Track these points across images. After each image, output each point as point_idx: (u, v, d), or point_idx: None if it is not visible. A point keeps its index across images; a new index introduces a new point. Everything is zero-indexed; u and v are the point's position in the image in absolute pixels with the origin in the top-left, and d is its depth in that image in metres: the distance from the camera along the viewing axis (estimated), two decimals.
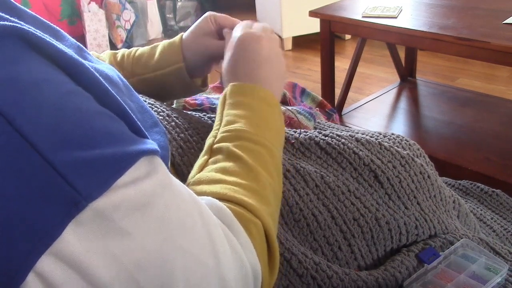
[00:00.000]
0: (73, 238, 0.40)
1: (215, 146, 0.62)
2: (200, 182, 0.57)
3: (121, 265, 0.42)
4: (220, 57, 0.85)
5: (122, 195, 0.42)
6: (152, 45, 0.91)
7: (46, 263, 0.39)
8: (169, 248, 0.44)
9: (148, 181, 0.44)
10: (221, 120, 0.66)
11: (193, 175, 0.60)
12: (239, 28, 0.75)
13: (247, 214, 0.53)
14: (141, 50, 0.91)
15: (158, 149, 0.47)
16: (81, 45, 0.61)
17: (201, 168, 0.60)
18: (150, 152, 0.46)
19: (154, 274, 0.43)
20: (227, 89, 0.69)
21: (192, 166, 0.71)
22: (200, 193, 0.55)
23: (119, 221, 0.41)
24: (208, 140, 0.64)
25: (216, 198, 0.54)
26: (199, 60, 0.86)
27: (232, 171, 0.58)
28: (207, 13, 0.86)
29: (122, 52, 0.92)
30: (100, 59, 0.89)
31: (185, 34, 0.88)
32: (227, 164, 0.59)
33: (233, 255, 0.49)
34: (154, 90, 0.89)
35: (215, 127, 0.66)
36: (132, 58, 0.90)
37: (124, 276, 0.42)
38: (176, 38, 0.88)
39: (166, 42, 0.89)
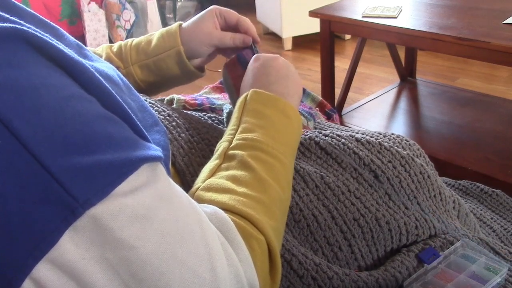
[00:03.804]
0: (70, 245, 0.39)
1: (229, 152, 0.61)
2: (210, 188, 0.57)
3: (117, 275, 0.41)
4: (227, 47, 0.88)
5: (121, 204, 0.41)
6: (148, 34, 0.93)
7: (42, 270, 0.39)
8: (167, 261, 0.43)
9: (147, 191, 0.43)
10: (237, 125, 0.65)
11: (203, 178, 0.59)
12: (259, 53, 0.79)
13: (251, 229, 0.53)
14: (137, 39, 0.93)
15: (162, 155, 0.46)
16: (80, 43, 0.60)
17: (212, 173, 0.60)
18: (153, 159, 0.45)
19: (150, 285, 0.42)
20: (248, 94, 0.69)
21: (193, 166, 0.71)
22: (208, 201, 0.54)
23: (117, 231, 0.41)
24: (222, 144, 0.63)
25: (223, 209, 0.53)
26: (202, 50, 0.88)
27: (242, 181, 0.57)
28: (212, 6, 0.88)
29: (118, 43, 0.93)
30: (96, 53, 0.89)
31: (186, 24, 0.89)
32: (239, 173, 0.58)
33: (230, 270, 0.48)
34: (153, 76, 0.90)
35: (230, 130, 0.65)
36: (129, 47, 0.91)
37: (120, 286, 0.41)
38: (173, 25, 0.90)
39: (163, 29, 0.91)
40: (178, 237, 0.45)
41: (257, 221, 0.53)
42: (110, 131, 0.43)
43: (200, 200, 0.55)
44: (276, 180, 0.59)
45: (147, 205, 0.43)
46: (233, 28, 0.89)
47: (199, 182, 0.59)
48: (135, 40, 0.92)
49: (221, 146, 0.63)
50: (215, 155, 0.63)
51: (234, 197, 0.55)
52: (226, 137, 0.64)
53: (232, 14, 0.88)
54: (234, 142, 0.62)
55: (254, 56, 0.78)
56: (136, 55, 0.90)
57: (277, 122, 0.66)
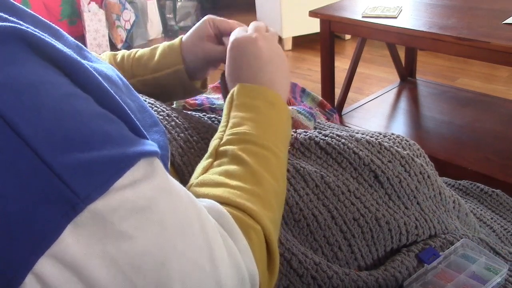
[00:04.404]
0: (72, 240, 0.40)
1: (221, 149, 0.61)
2: (203, 184, 0.57)
3: (119, 267, 0.42)
4: (220, 61, 0.85)
5: (120, 198, 0.42)
6: (152, 47, 0.91)
7: (44, 265, 0.39)
8: (167, 252, 0.44)
9: (146, 184, 0.44)
10: (227, 121, 0.65)
11: (196, 176, 0.60)
12: (234, 33, 0.74)
13: (248, 219, 0.53)
14: (141, 51, 0.91)
15: (158, 150, 0.47)
16: (80, 44, 0.60)
17: (205, 171, 0.60)
18: (150, 154, 0.45)
19: (151, 277, 0.43)
20: (234, 89, 0.68)
21: (192, 165, 0.71)
22: (202, 196, 0.55)
23: (118, 224, 0.41)
24: (213, 142, 0.63)
25: (218, 202, 0.53)
26: (198, 63, 0.86)
27: (235, 175, 0.57)
28: (206, 17, 0.86)
29: (122, 53, 0.92)
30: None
31: (184, 37, 0.88)
32: (231, 167, 0.58)
33: (230, 260, 0.49)
34: (154, 91, 0.89)
35: (220, 128, 0.65)
36: (132, 59, 0.90)
37: (121, 278, 0.42)
38: (176, 40, 0.88)
39: (166, 44, 0.89)
40: (177, 228, 0.45)
41: (253, 211, 0.53)
42: (108, 129, 0.44)
43: (195, 196, 0.55)
44: (270, 172, 0.59)
45: (146, 197, 0.43)
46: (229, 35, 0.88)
47: (192, 179, 0.60)
48: (139, 52, 0.91)
49: (212, 144, 0.63)
50: (207, 153, 0.63)
51: (228, 190, 0.55)
52: (217, 134, 0.65)
53: (225, 24, 0.85)
54: (225, 138, 0.62)
55: (231, 41, 0.72)
56: (138, 69, 0.89)
57: (265, 113, 0.65)
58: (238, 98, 0.67)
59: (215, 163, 0.60)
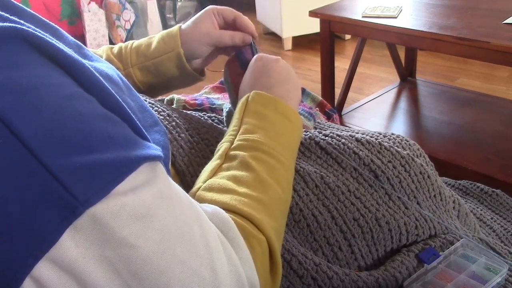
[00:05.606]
0: (71, 244, 0.39)
1: (231, 153, 0.62)
2: (211, 189, 0.57)
3: (118, 274, 0.41)
4: (226, 45, 0.88)
5: (121, 203, 0.41)
6: (148, 37, 0.93)
7: (42, 269, 0.39)
8: (167, 260, 0.43)
9: (148, 190, 0.43)
10: (239, 126, 0.65)
11: (204, 178, 0.60)
12: (260, 54, 0.79)
13: (251, 229, 0.53)
14: (137, 41, 0.93)
15: (162, 155, 0.46)
16: (79, 42, 0.60)
17: (213, 173, 0.60)
18: (153, 158, 0.45)
19: (150, 285, 0.43)
20: (250, 95, 0.69)
21: (192, 166, 0.71)
22: (209, 201, 0.55)
23: (118, 230, 0.41)
24: (223, 145, 0.64)
25: (224, 209, 0.53)
26: (199, 49, 0.88)
27: (243, 181, 0.57)
28: (209, 7, 0.89)
29: (119, 45, 0.93)
30: (97, 54, 0.89)
31: (185, 26, 0.90)
32: (240, 173, 0.58)
33: (230, 268, 0.48)
34: (154, 78, 0.90)
35: (231, 131, 0.65)
36: (130, 49, 0.91)
37: (120, 285, 0.41)
38: (174, 28, 0.90)
39: (163, 32, 0.91)
40: (178, 236, 0.45)
41: (258, 221, 0.53)
42: (110, 131, 0.43)
43: (202, 200, 0.55)
44: (277, 181, 0.60)
45: (147, 204, 0.43)
46: (232, 25, 0.89)
47: (200, 182, 0.59)
48: (136, 42, 0.92)
49: (222, 146, 0.63)
50: (216, 155, 0.63)
51: (235, 197, 0.55)
52: (227, 137, 0.65)
53: (228, 12, 0.88)
54: (236, 143, 0.63)
55: (256, 55, 0.78)
56: (136, 58, 0.90)
57: (278, 123, 0.66)
58: (252, 104, 0.68)
59: (224, 165, 0.61)
